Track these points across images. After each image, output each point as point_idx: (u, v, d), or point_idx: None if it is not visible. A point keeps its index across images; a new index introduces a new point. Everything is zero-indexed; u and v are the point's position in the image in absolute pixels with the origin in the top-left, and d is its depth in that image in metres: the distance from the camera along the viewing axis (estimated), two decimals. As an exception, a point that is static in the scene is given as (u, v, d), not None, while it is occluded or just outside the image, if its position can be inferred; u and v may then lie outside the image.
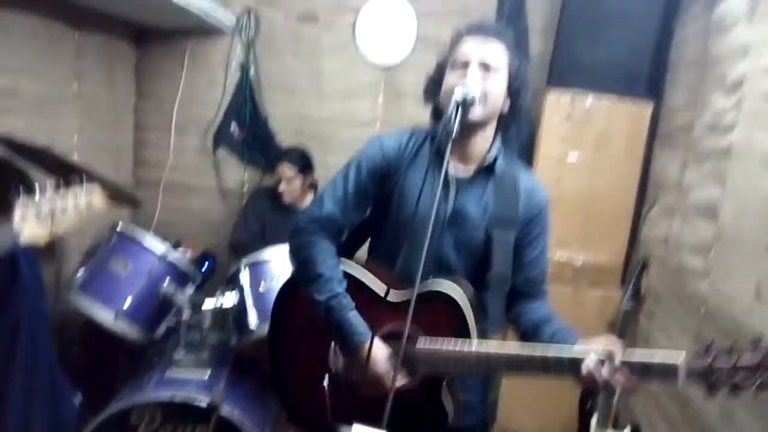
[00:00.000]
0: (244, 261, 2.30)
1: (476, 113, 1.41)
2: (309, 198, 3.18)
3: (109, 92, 3.17)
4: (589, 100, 2.78)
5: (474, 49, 1.45)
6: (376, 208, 1.62)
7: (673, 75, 2.66)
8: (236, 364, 2.28)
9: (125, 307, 2.15)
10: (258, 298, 2.22)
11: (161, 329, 2.29)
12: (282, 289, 1.70)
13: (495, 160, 1.49)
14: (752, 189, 1.77)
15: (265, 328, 2.11)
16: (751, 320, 1.67)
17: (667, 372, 1.10)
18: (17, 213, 1.30)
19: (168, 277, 2.23)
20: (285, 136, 3.40)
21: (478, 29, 1.49)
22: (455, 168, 1.52)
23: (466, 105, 1.36)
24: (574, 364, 1.21)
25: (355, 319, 1.45)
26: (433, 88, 1.57)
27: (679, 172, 2.43)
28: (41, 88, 2.64)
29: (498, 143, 1.53)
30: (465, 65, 1.44)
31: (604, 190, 2.82)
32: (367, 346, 1.37)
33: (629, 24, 2.76)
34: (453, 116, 1.34)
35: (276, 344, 1.68)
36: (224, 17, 3.17)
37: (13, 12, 2.41)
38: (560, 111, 2.80)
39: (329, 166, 3.30)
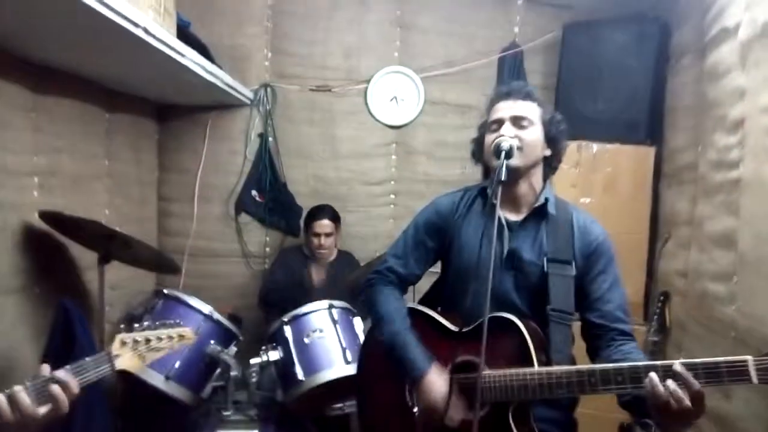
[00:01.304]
0: (286, 317, 2.38)
1: (515, 161, 1.56)
2: (334, 253, 3.29)
3: (136, 167, 3.31)
4: (595, 147, 2.98)
5: (506, 108, 1.65)
6: (441, 262, 1.76)
7: (671, 119, 2.87)
8: (282, 420, 2.31)
9: (175, 368, 2.20)
10: (302, 350, 2.29)
11: (208, 389, 2.33)
12: (366, 337, 1.88)
13: (546, 202, 1.63)
14: (766, 217, 1.92)
15: (313, 380, 2.22)
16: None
17: (737, 371, 1.15)
18: (117, 341, 1.33)
19: (214, 336, 2.30)
20: (304, 198, 3.54)
21: (508, 93, 1.70)
22: (507, 215, 1.66)
23: (507, 154, 1.51)
24: (635, 374, 1.26)
25: (414, 354, 1.56)
26: (477, 149, 1.76)
27: (689, 207, 2.60)
28: (78, 167, 2.77)
29: (548, 188, 1.68)
30: (500, 123, 1.63)
31: (616, 230, 2.94)
32: (426, 378, 1.48)
33: (624, 76, 3.00)
34: (500, 165, 1.50)
35: (362, 390, 1.82)
36: (243, 91, 3.36)
37: (55, 97, 2.57)
38: (569, 159, 2.98)
39: (348, 223, 3.45)
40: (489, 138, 1.65)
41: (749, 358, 1.16)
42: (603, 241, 1.64)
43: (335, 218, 3.22)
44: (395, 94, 3.48)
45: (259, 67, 3.51)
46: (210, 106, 3.51)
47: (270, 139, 3.54)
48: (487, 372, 1.43)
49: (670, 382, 1.20)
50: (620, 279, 1.62)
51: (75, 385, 1.17)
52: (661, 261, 2.91)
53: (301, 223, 3.46)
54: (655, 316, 2.69)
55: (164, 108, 3.53)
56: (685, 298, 2.57)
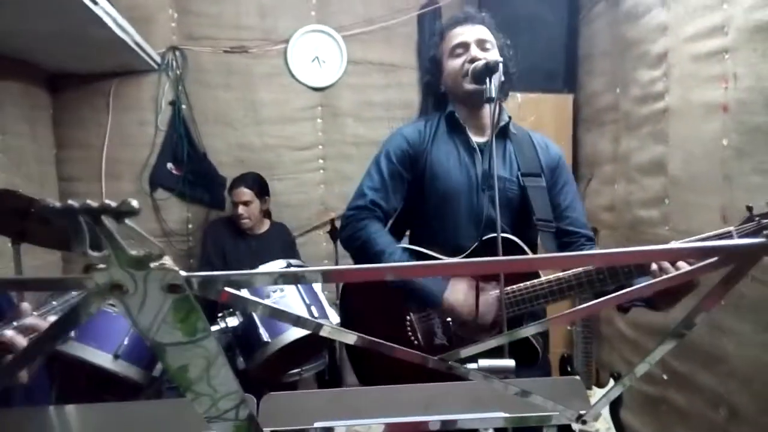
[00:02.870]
0: (242, 282, 2.23)
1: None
2: (266, 225, 3.15)
3: (33, 143, 2.92)
4: (519, 97, 3.09)
5: (468, 32, 1.65)
6: (411, 194, 1.71)
7: (587, 67, 3.06)
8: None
9: (124, 344, 1.98)
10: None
11: (159, 366, 2.12)
12: (344, 291, 1.77)
13: (508, 122, 1.66)
14: (696, 139, 2.11)
15: (280, 341, 2.10)
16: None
17: (724, 239, 1.24)
18: None
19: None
20: (227, 168, 3.33)
21: (465, 18, 1.70)
22: (474, 137, 1.66)
23: (491, 71, 1.51)
24: (640, 264, 1.31)
25: (426, 280, 1.53)
26: (433, 79, 1.74)
27: (611, 146, 2.79)
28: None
29: (506, 109, 1.70)
30: (465, 47, 1.62)
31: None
32: (446, 297, 1.47)
33: (539, 29, 3.14)
34: (488, 83, 1.48)
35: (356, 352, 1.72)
36: (152, 54, 3.08)
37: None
38: (497, 109, 3.08)
39: (278, 192, 3.31)
40: (455, 62, 1.63)
41: (732, 228, 1.27)
42: (562, 155, 1.74)
43: (255, 185, 3.04)
44: (317, 55, 3.37)
45: (164, 28, 3.23)
46: (111, 73, 3.17)
47: (183, 106, 3.28)
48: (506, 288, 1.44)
49: (678, 263, 1.27)
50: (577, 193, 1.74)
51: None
52: (585, 201, 3.10)
53: (226, 195, 3.28)
54: (588, 251, 2.87)
55: (57, 78, 3.13)
56: (615, 230, 2.77)
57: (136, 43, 2.76)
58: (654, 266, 1.29)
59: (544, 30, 3.14)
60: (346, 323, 1.75)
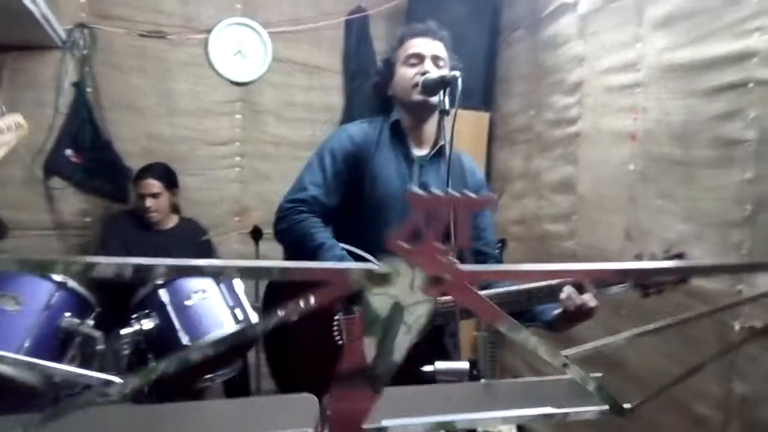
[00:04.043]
0: (160, 280, 2.10)
1: (436, 98, 1.62)
2: (174, 220, 2.99)
3: None
4: (440, 110, 3.20)
5: (426, 45, 1.70)
6: (347, 195, 1.70)
7: (504, 88, 3.24)
8: (158, 398, 2.04)
9: (25, 347, 1.78)
10: (185, 314, 2.04)
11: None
12: (268, 291, 1.73)
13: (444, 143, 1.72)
14: (604, 162, 2.31)
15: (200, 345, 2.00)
16: (624, 258, 2.17)
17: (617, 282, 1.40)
18: None
19: (69, 308, 1.92)
20: (134, 158, 3.11)
21: (426, 31, 1.74)
22: (415, 150, 1.71)
23: (446, 84, 1.56)
24: (552, 290, 1.41)
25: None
26: (382, 81, 1.76)
27: (523, 163, 2.98)
28: None
29: (444, 129, 1.76)
30: (419, 58, 1.67)
31: (459, 187, 3.26)
32: None
33: (461, 48, 3.23)
34: (442, 95, 1.53)
35: (274, 347, 1.69)
36: (58, 29, 2.82)
37: None
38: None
39: (189, 187, 3.17)
40: (408, 71, 1.66)
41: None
42: (483, 179, 1.85)
43: (164, 176, 2.88)
44: (240, 48, 3.26)
45: (71, 4, 2.97)
46: (6, 46, 2.86)
47: (89, 89, 3.03)
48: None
49: (585, 295, 1.39)
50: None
51: None
52: (496, 214, 3.27)
53: (130, 186, 3.07)
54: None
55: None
56: (523, 242, 2.95)
57: (44, 16, 2.52)
58: (564, 294, 1.39)
59: (467, 49, 3.25)
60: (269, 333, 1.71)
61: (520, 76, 3.06)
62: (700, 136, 1.80)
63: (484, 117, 3.31)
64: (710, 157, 1.76)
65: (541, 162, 2.80)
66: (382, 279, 0.45)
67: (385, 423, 0.55)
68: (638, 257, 1.43)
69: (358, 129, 1.73)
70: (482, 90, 3.31)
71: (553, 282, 1.45)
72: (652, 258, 1.40)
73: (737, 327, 1.64)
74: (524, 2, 3.01)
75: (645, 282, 1.39)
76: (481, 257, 1.70)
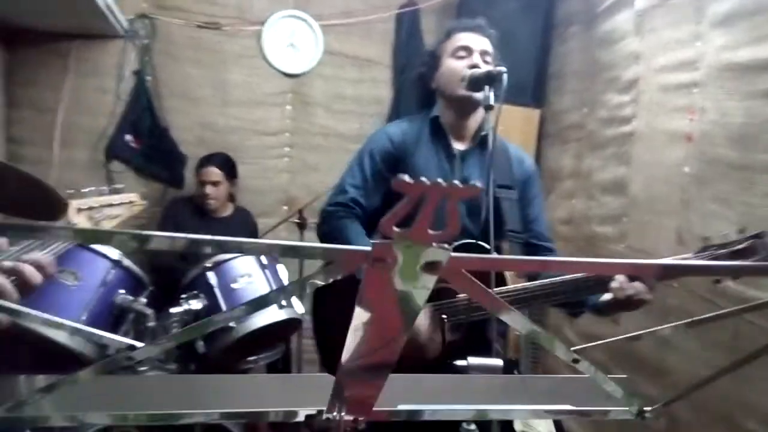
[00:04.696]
0: (208, 263, 2.19)
1: (482, 93, 1.61)
2: (230, 208, 3.08)
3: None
4: (489, 105, 3.17)
5: (475, 40, 1.69)
6: (389, 194, 1.73)
7: (557, 84, 3.17)
8: (202, 374, 2.13)
9: (82, 320, 1.89)
10: (231, 296, 2.12)
11: (116, 343, 2.04)
12: (319, 291, 1.76)
13: (487, 134, 1.71)
14: (658, 163, 2.24)
15: (246, 327, 2.08)
16: (674, 263, 2.11)
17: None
18: (72, 208, 1.21)
19: (124, 285, 2.02)
20: (188, 146, 3.23)
21: (475, 26, 1.73)
22: (455, 144, 1.71)
23: (492, 79, 1.55)
24: (603, 281, 1.37)
25: None
26: (427, 73, 1.75)
27: (573, 162, 2.92)
28: None
29: (489, 121, 1.75)
30: (468, 51, 1.66)
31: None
32: None
33: (513, 43, 3.21)
34: (487, 90, 1.53)
35: (326, 342, 1.74)
36: (120, 18, 2.94)
37: None
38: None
39: (243, 175, 3.25)
40: (455, 63, 1.66)
41: (690, 254, 1.37)
42: (535, 169, 1.81)
43: (225, 166, 2.99)
44: (292, 41, 3.32)
45: (135, -5, 3.10)
46: (73, 34, 3.01)
47: (148, 77, 3.16)
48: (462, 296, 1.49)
49: (637, 284, 1.36)
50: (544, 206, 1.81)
51: (48, 262, 0.97)
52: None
53: (186, 173, 3.19)
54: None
55: (13, 31, 2.93)
56: (569, 243, 2.90)
57: (107, 5, 2.64)
58: (615, 284, 1.36)
59: (518, 44, 3.22)
60: (320, 319, 1.76)
61: (574, 72, 2.99)
62: (759, 139, 1.72)
63: (535, 114, 3.25)
64: (771, 162, 1.68)
65: (593, 161, 2.73)
66: (378, 261, 0.46)
67: (401, 407, 0.57)
68: (706, 240, 1.37)
69: (397, 128, 1.76)
70: (533, 86, 3.25)
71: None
72: (724, 239, 1.35)
73: (790, 338, 1.57)
74: (580, -3, 2.93)
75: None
76: (531, 249, 1.68)
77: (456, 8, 3.34)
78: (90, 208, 1.25)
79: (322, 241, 1.73)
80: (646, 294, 1.36)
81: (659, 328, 0.74)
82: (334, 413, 0.61)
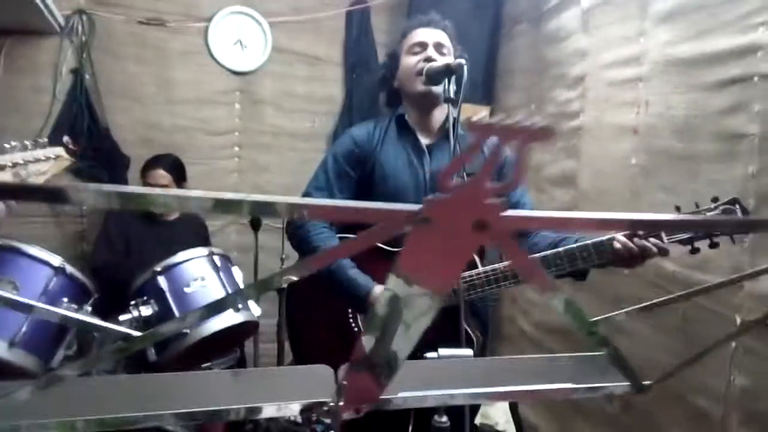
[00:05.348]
0: (158, 267, 2.09)
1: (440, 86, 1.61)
2: (176, 212, 2.97)
3: None
4: (441, 103, 3.20)
5: (429, 34, 1.70)
6: (359, 194, 1.72)
7: (505, 81, 3.23)
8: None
9: (22, 332, 1.77)
10: (184, 301, 2.02)
11: (59, 356, 1.92)
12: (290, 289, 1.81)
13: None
14: (605, 156, 2.32)
15: (201, 332, 2.00)
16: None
17: (653, 235, 1.34)
18: None
19: (67, 294, 1.91)
20: (131, 146, 3.10)
21: (429, 21, 1.75)
22: (422, 139, 1.71)
23: (451, 72, 1.55)
24: (601, 246, 1.38)
25: (356, 274, 1.56)
26: (388, 74, 1.76)
27: (524, 158, 2.97)
28: None
29: (452, 113, 1.76)
30: (423, 46, 1.67)
31: (458, 180, 3.25)
32: (374, 293, 1.49)
33: (462, 42, 3.26)
34: (447, 83, 1.53)
35: (297, 338, 1.77)
36: (57, 14, 2.79)
37: None
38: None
39: (190, 176, 3.13)
40: (411, 59, 1.67)
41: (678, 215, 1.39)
42: (509, 155, 1.81)
43: (173, 169, 2.86)
44: (240, 38, 3.24)
45: (70, -11, 2.95)
46: (5, 30, 2.82)
47: (87, 76, 3.01)
48: None
49: (636, 240, 1.36)
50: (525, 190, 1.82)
51: None
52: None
53: (129, 175, 3.06)
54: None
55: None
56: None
57: (42, 0, 2.49)
58: (617, 244, 1.37)
59: (467, 44, 3.23)
60: (291, 309, 1.74)
61: (522, 69, 3.06)
62: (702, 130, 1.80)
63: (485, 111, 3.30)
64: (713, 152, 1.76)
65: (542, 155, 2.79)
66: (424, 221, 0.44)
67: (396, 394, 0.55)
68: (677, 209, 1.39)
69: (363, 129, 1.76)
70: (483, 84, 3.30)
71: (602, 238, 1.40)
72: (696, 207, 1.37)
73: (738, 320, 1.65)
74: (527, -4, 3.00)
75: (691, 235, 1.35)
76: (521, 236, 1.65)
77: (406, 6, 3.35)
78: (15, 165, 1.18)
79: (290, 242, 1.76)
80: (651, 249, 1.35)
81: (617, 312, 0.75)
82: (331, 404, 0.58)
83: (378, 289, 1.52)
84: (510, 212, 0.46)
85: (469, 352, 1.30)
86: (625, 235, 1.38)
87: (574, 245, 1.43)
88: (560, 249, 1.44)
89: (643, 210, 2.07)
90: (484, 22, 3.26)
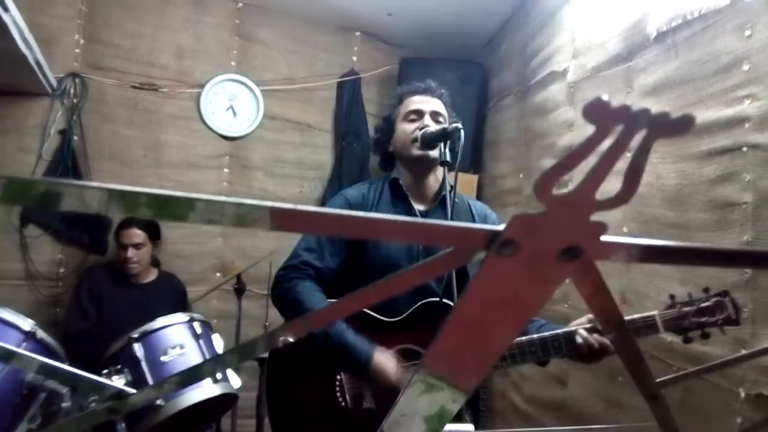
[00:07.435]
0: (135, 333, 1.98)
1: (436, 152, 1.61)
2: (153, 273, 2.88)
3: None
4: (430, 171, 3.22)
5: (425, 102, 1.72)
6: (351, 257, 1.67)
7: (493, 151, 3.28)
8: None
9: (-17, 406, 1.64)
10: (160, 371, 1.91)
11: (21, 430, 1.77)
12: (271, 357, 1.68)
13: (446, 194, 1.71)
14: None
15: (176, 404, 1.87)
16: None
17: (648, 325, 1.35)
18: None
19: (37, 362, 1.79)
20: (116, 210, 3.04)
21: (425, 89, 1.77)
22: (416, 205, 1.69)
23: (447, 136, 1.56)
24: (569, 337, 1.39)
25: (356, 339, 1.47)
26: (383, 138, 1.77)
27: (513, 226, 2.97)
28: None
29: (448, 179, 1.75)
30: (419, 114, 1.68)
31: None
32: (375, 359, 1.41)
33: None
34: (443, 147, 1.53)
35: (278, 413, 1.62)
36: (50, 77, 2.80)
37: None
38: (409, 180, 3.18)
39: (171, 240, 3.08)
40: (408, 126, 1.67)
41: (655, 312, 1.38)
42: (497, 222, 1.80)
43: (147, 227, 2.79)
44: (232, 104, 3.28)
45: (66, 54, 2.98)
46: (-6, 91, 2.83)
47: (75, 137, 2.99)
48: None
49: (596, 336, 1.38)
50: None
51: None
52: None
53: (110, 238, 2.98)
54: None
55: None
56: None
57: (37, 62, 2.51)
58: (579, 340, 1.37)
59: (455, 113, 3.34)
60: (273, 382, 1.63)
61: (509, 140, 3.11)
62: (694, 198, 1.80)
63: (473, 178, 3.33)
64: (706, 220, 1.75)
65: (531, 224, 2.78)
66: (504, 246, 0.32)
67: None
68: (672, 298, 1.39)
69: (356, 192, 1.74)
70: (470, 154, 3.35)
71: (568, 329, 1.42)
72: (689, 298, 1.37)
73: (743, 394, 1.58)
74: (513, 70, 3.10)
75: (684, 326, 1.35)
76: None
77: (396, 79, 3.44)
78: None
79: (275, 305, 1.63)
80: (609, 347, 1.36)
81: (684, 372, 0.70)
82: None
83: (379, 355, 1.44)
84: (610, 237, 0.35)
85: (470, 427, 1.21)
86: (586, 329, 1.38)
87: (546, 334, 1.41)
88: (535, 337, 1.41)
89: (635, 278, 2.04)
90: (471, 94, 3.34)
